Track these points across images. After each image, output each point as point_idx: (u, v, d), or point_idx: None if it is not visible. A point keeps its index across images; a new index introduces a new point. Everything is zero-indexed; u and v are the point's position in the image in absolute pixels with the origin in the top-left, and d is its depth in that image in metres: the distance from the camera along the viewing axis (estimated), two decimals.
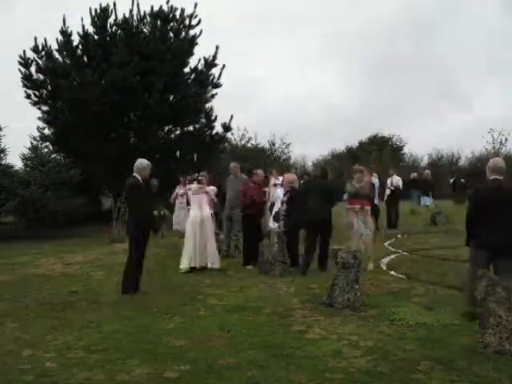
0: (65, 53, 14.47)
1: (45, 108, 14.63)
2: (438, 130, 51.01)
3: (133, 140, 14.71)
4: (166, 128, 15.52)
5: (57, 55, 14.46)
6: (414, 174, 15.12)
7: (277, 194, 7.89)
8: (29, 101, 14.47)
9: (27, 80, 14.28)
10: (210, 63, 15.28)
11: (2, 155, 12.57)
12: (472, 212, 4.47)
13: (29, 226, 12.82)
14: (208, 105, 15.56)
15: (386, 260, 7.76)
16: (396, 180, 12.98)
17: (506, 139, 28.20)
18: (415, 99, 62.48)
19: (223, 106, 20.65)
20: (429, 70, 58.98)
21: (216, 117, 15.68)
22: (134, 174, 5.74)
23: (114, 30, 14.50)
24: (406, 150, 39.86)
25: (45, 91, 14.51)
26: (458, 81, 62.65)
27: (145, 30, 14.81)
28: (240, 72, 53.25)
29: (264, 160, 33.68)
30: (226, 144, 20.21)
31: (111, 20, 14.49)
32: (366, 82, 64.84)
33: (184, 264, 6.95)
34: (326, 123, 56.13)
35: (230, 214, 8.30)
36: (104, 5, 14.30)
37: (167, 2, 14.64)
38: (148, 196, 6.07)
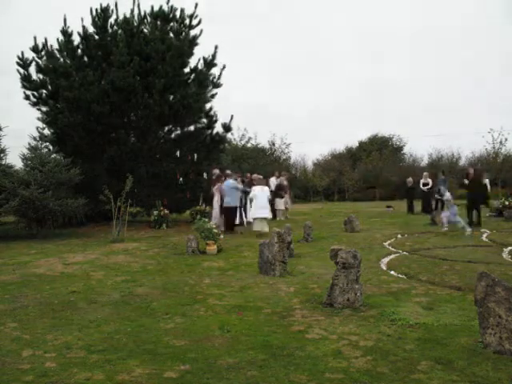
0: (65, 53, 14.49)
1: (44, 108, 14.63)
2: None
3: (133, 140, 14.70)
4: (166, 128, 15.51)
5: (57, 55, 14.46)
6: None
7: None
8: (28, 102, 14.50)
9: (26, 81, 14.28)
10: (209, 63, 15.29)
11: (1, 155, 12.57)
12: None
13: (29, 225, 12.82)
14: (208, 105, 15.60)
15: (385, 260, 7.76)
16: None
17: (506, 139, 28.15)
18: None
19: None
20: None
21: (216, 117, 15.71)
22: None
23: (114, 30, 14.51)
24: (405, 149, 39.98)
25: (44, 91, 14.51)
26: None
27: (145, 30, 14.82)
28: None
29: (264, 160, 33.66)
30: (226, 144, 20.16)
31: (112, 20, 14.53)
32: None
33: None
34: None
35: None
36: (104, 5, 14.34)
37: (167, 2, 14.66)
38: None
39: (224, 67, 15.42)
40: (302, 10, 75.05)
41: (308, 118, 63.40)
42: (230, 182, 11.89)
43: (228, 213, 12.00)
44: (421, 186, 17.43)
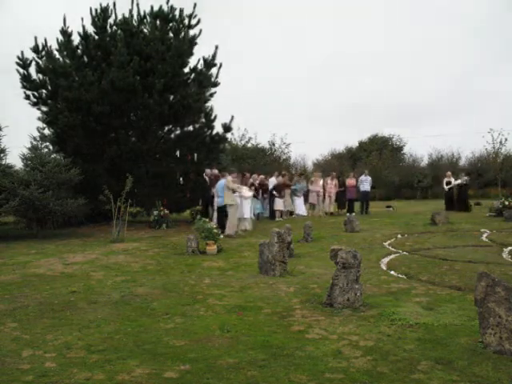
0: (65, 53, 14.48)
1: (44, 108, 14.63)
2: None
3: (133, 140, 14.70)
4: (166, 128, 15.50)
5: (57, 55, 14.46)
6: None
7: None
8: (28, 101, 14.49)
9: (26, 81, 14.27)
10: (209, 63, 15.28)
11: (1, 155, 12.56)
12: None
13: (29, 226, 12.82)
14: (208, 105, 15.58)
15: (385, 260, 7.76)
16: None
17: (506, 139, 28.17)
18: None
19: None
20: None
21: (216, 117, 15.70)
22: None
23: (113, 30, 14.51)
24: (405, 149, 39.96)
25: (44, 91, 14.50)
26: None
27: (145, 30, 14.81)
28: None
29: (264, 160, 33.67)
30: (227, 144, 20.13)
31: (111, 20, 14.52)
32: None
33: None
34: None
35: None
36: (104, 5, 14.33)
37: (167, 2, 14.66)
38: None
39: (221, 65, 15.41)
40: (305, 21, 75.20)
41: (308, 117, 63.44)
42: (222, 181, 11.95)
43: (219, 212, 12.12)
44: (444, 185, 17.43)
